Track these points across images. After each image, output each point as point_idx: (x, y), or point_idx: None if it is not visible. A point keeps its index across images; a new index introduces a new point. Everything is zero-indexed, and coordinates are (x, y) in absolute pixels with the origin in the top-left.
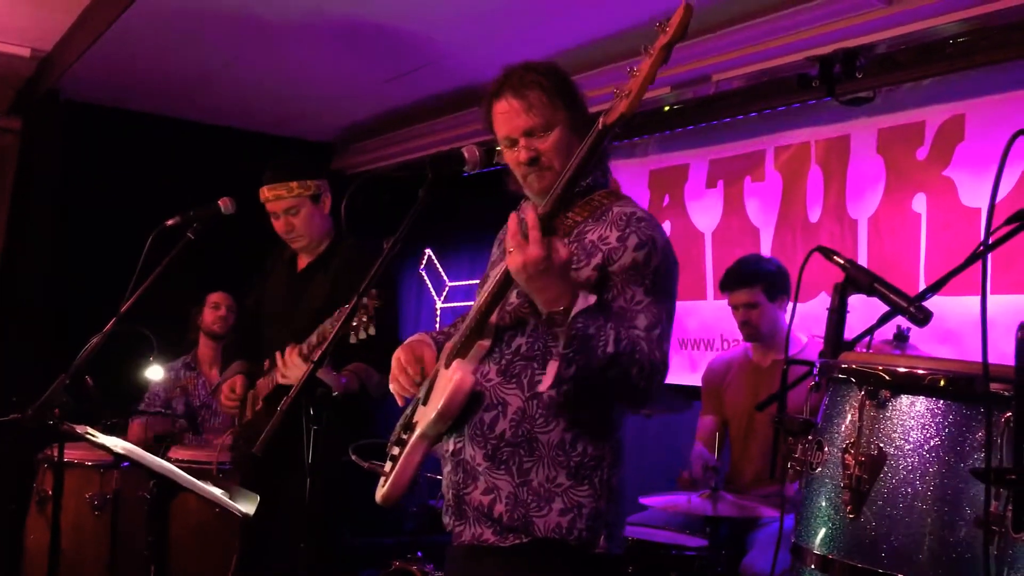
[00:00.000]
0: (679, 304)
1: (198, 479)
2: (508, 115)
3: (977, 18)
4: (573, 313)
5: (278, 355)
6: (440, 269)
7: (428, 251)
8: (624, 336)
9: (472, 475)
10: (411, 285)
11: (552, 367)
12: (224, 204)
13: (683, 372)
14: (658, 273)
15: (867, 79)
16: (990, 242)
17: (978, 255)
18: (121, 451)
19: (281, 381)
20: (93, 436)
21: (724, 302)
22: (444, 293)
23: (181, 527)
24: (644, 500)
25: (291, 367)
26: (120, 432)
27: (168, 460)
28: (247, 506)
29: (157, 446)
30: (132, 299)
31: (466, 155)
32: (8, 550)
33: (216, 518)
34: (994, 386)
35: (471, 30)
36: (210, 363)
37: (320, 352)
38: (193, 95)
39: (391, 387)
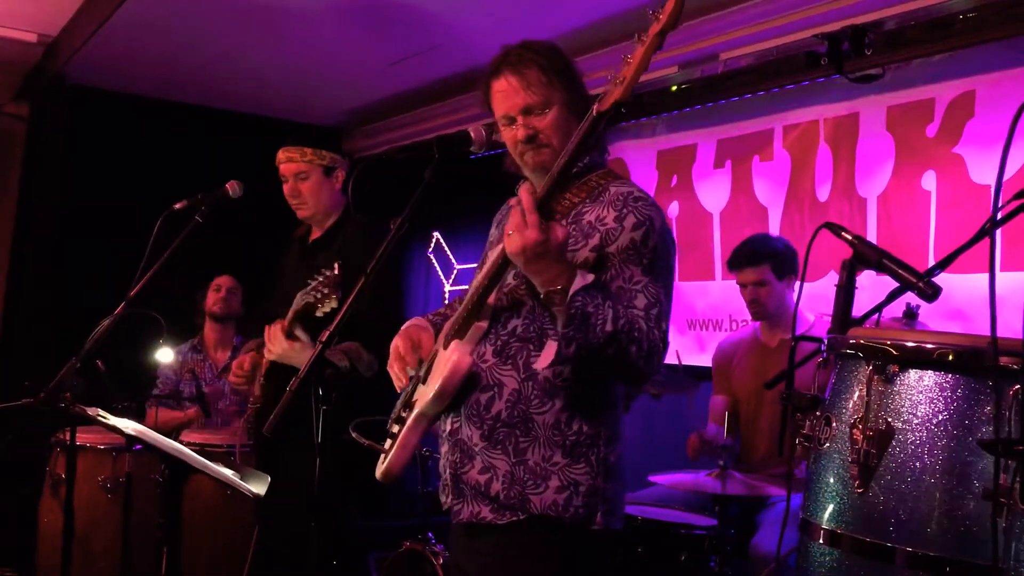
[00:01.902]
0: (688, 284)
1: (210, 461)
2: (506, 93)
3: None
4: (571, 292)
5: (266, 329)
6: (448, 252)
7: (436, 234)
8: (623, 315)
9: (469, 454)
10: (420, 268)
11: (550, 346)
12: (232, 188)
13: (692, 352)
14: (656, 252)
15: (876, 56)
16: (998, 218)
17: (986, 231)
18: (133, 433)
19: (268, 357)
20: (105, 419)
21: (732, 282)
22: (453, 276)
23: (194, 509)
24: (653, 478)
25: (272, 342)
26: (135, 416)
27: (180, 442)
28: (259, 487)
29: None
30: (141, 282)
31: (472, 135)
32: (22, 533)
33: (229, 500)
34: (1003, 359)
35: (477, 12)
36: (215, 346)
37: (328, 332)
38: (199, 80)
39: (390, 373)
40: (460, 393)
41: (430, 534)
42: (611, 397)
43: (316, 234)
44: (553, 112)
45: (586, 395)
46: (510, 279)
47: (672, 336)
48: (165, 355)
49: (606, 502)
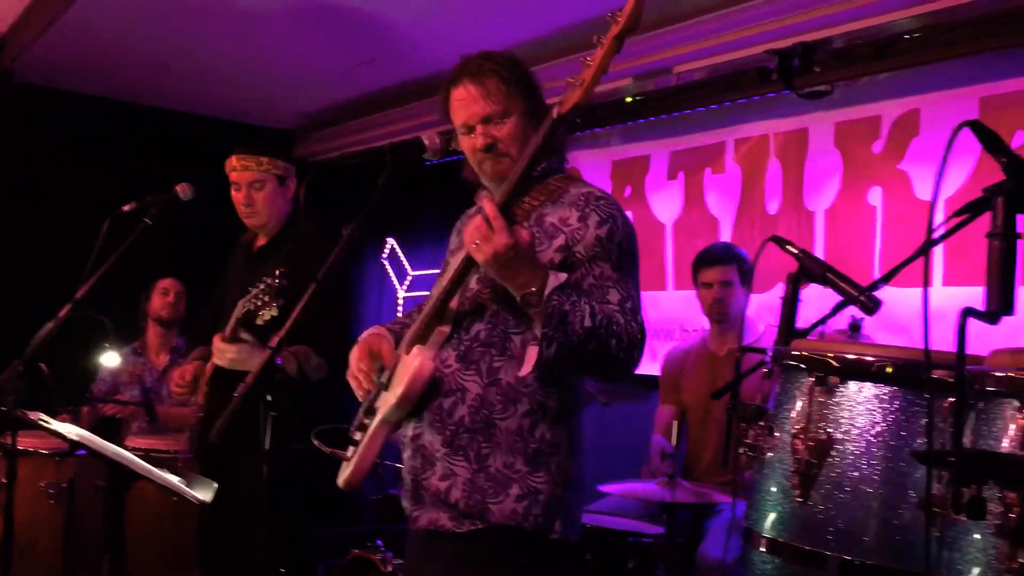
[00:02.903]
0: (640, 294)
1: (155, 467)
2: (465, 101)
3: (929, 14)
4: (546, 292)
5: (215, 338)
6: (403, 258)
7: (391, 240)
8: (599, 310)
9: (430, 460)
10: (374, 274)
11: (532, 350)
12: (182, 190)
13: (643, 361)
14: (623, 248)
15: (824, 73)
16: (938, 235)
17: (925, 248)
18: (76, 438)
19: (220, 364)
20: (47, 423)
21: (684, 293)
22: (407, 282)
23: (138, 516)
24: (602, 487)
25: (218, 353)
26: (73, 419)
27: (125, 448)
28: (204, 494)
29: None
30: (87, 285)
31: (426, 142)
32: None
33: (174, 507)
34: (938, 373)
35: (434, 19)
36: (157, 350)
37: (278, 338)
38: (152, 80)
39: (350, 382)
40: (423, 399)
41: (379, 541)
42: (573, 404)
43: (262, 241)
44: (512, 121)
45: (549, 401)
46: (473, 284)
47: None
48: (110, 358)
49: (565, 512)
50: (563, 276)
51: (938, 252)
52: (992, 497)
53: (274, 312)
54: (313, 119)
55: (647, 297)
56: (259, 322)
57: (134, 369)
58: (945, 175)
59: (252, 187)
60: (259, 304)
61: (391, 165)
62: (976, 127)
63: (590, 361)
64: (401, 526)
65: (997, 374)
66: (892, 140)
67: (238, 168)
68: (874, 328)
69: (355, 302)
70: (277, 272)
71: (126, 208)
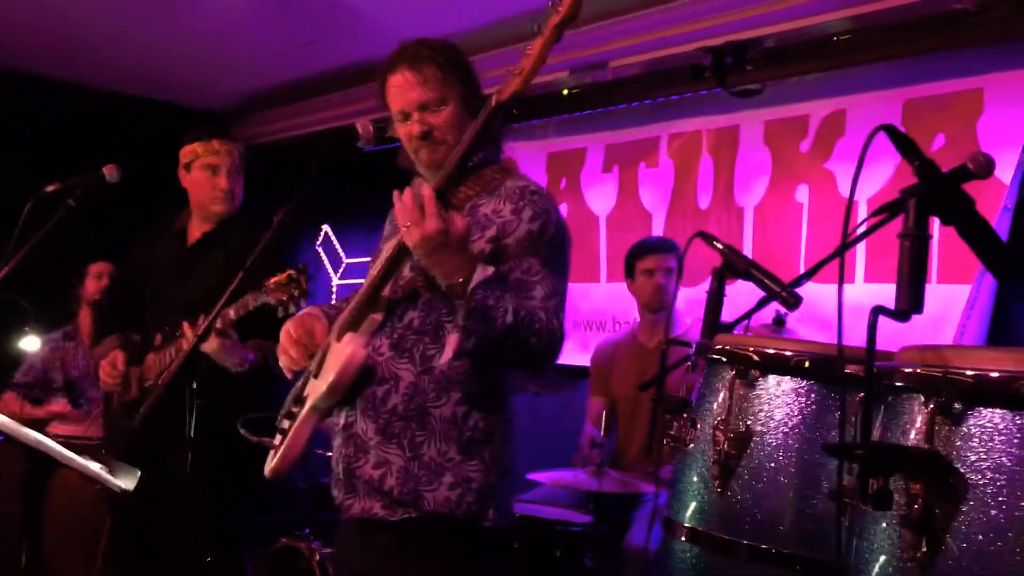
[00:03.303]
0: (573, 286)
1: (77, 454)
2: (402, 88)
3: (858, 17)
4: (472, 285)
5: (186, 326)
6: (337, 246)
7: (325, 227)
8: (522, 307)
9: (363, 449)
10: (308, 262)
11: (452, 340)
12: (108, 172)
13: (576, 352)
14: (553, 244)
15: (756, 72)
16: (859, 232)
17: (841, 249)
18: None
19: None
20: None
21: (617, 285)
22: (341, 269)
23: (59, 503)
24: (532, 476)
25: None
26: None
27: (46, 435)
28: (127, 482)
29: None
30: (7, 267)
31: (360, 130)
32: None
33: (96, 495)
34: (852, 368)
35: (375, 3)
36: (91, 334)
37: (205, 325)
38: (80, 57)
39: (280, 361)
40: (354, 387)
41: (307, 530)
42: (506, 392)
43: (206, 227)
44: (449, 109)
45: (482, 389)
46: (407, 271)
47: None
48: (31, 343)
49: (497, 499)
50: (490, 270)
51: (860, 250)
52: (898, 488)
53: (303, 306)
54: (248, 102)
55: (580, 289)
56: (281, 315)
57: (64, 354)
58: (861, 177)
59: (232, 172)
60: (284, 301)
61: (323, 153)
62: (891, 131)
63: (509, 356)
64: (331, 515)
65: (905, 370)
66: (819, 139)
67: (221, 152)
68: (799, 323)
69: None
70: (304, 266)
71: (49, 189)
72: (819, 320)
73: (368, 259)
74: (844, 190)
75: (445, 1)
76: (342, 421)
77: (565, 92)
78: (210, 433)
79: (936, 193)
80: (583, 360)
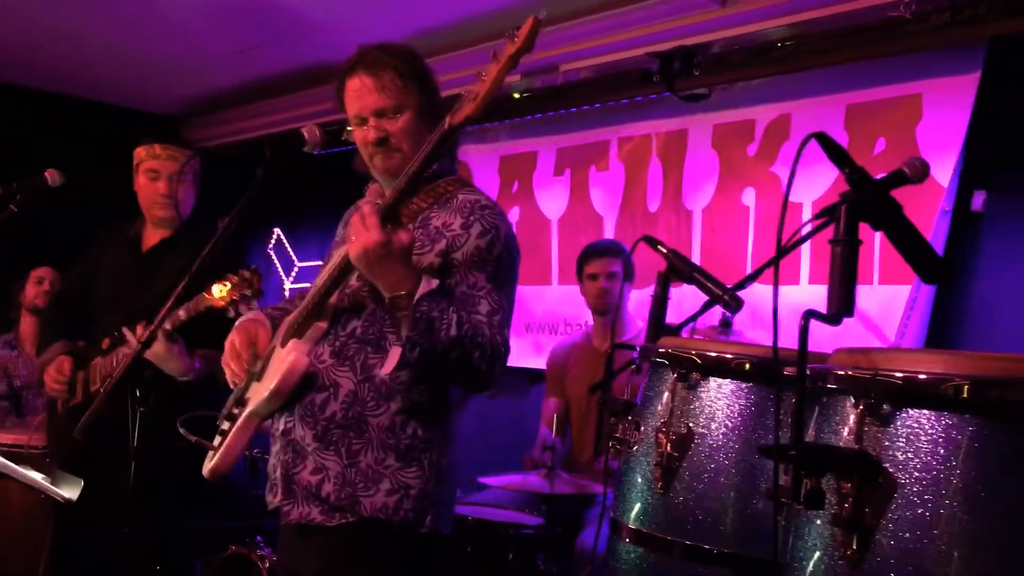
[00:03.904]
0: (525, 288)
1: (17, 464)
2: (360, 93)
3: (801, 23)
4: (416, 297)
5: (127, 331)
6: (289, 249)
7: (277, 230)
8: (466, 320)
9: (301, 455)
10: (259, 265)
11: (394, 352)
12: (51, 176)
13: (528, 355)
14: (500, 261)
15: (703, 77)
16: (799, 236)
17: (776, 258)
18: None
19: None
20: None
21: (569, 288)
22: (293, 273)
23: (2, 514)
24: (483, 479)
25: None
26: None
27: None
28: (70, 491)
29: None
30: None
31: (306, 135)
32: None
33: (40, 502)
34: (789, 370)
35: (326, 6)
36: (32, 341)
37: (148, 333)
38: (25, 58)
39: (224, 369)
40: (295, 393)
41: (259, 537)
42: (448, 401)
43: (163, 234)
44: (405, 117)
45: (422, 399)
46: (353, 281)
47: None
48: None
49: (436, 506)
50: (435, 282)
51: (804, 252)
52: (830, 488)
53: (253, 306)
54: (201, 104)
55: (532, 291)
56: (231, 315)
57: (6, 362)
58: (807, 180)
59: (174, 178)
60: (235, 301)
61: (270, 158)
62: (822, 139)
63: (452, 369)
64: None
65: (837, 372)
66: (765, 143)
67: (162, 157)
68: (745, 325)
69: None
70: (254, 267)
71: None
72: (766, 322)
73: (321, 263)
74: (791, 193)
75: (396, 6)
76: (281, 427)
77: (517, 96)
78: (154, 441)
79: (865, 200)
80: (535, 363)
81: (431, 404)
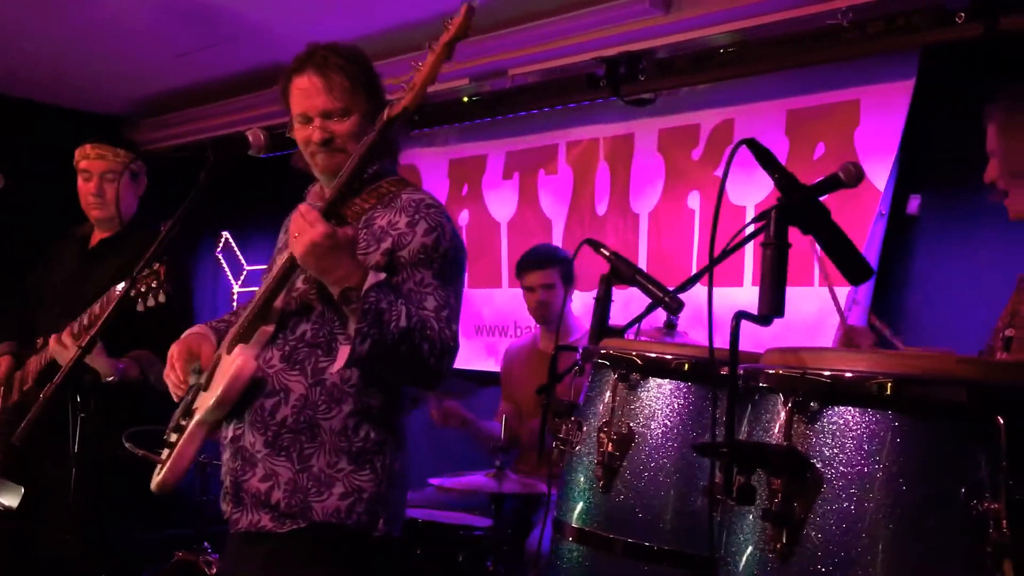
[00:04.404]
0: (476, 292)
1: None
2: (307, 92)
3: (743, 31)
4: (365, 288)
5: (54, 336)
6: (238, 252)
7: (225, 234)
8: (415, 313)
9: (251, 462)
10: (207, 269)
11: (344, 349)
12: None
13: (479, 358)
14: (446, 257)
15: (648, 82)
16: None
17: (709, 267)
18: None
19: (55, 357)
20: None
21: (518, 290)
22: (242, 277)
23: None
24: (433, 481)
25: (63, 349)
26: None
27: None
28: (10, 499)
29: None
30: None
31: (250, 139)
32: None
33: None
34: (726, 370)
35: (274, 8)
36: None
37: (89, 336)
38: None
39: (166, 381)
40: (243, 399)
41: (206, 544)
42: (399, 403)
43: (102, 235)
44: (352, 120)
45: (374, 401)
46: (299, 283)
47: (460, 341)
48: None
49: (388, 509)
50: (383, 275)
51: (748, 254)
52: (761, 484)
53: (162, 299)
54: (147, 105)
55: (482, 294)
56: (140, 308)
57: None
58: (748, 183)
59: (104, 177)
60: (143, 292)
61: (213, 161)
62: (752, 146)
63: (402, 363)
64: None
65: (768, 371)
66: (709, 147)
67: (91, 156)
68: (691, 326)
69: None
70: (165, 259)
71: None
72: (715, 323)
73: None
74: (734, 197)
75: (339, 10)
76: (230, 434)
77: (465, 99)
78: (95, 447)
79: (795, 204)
80: (485, 365)
81: (383, 406)
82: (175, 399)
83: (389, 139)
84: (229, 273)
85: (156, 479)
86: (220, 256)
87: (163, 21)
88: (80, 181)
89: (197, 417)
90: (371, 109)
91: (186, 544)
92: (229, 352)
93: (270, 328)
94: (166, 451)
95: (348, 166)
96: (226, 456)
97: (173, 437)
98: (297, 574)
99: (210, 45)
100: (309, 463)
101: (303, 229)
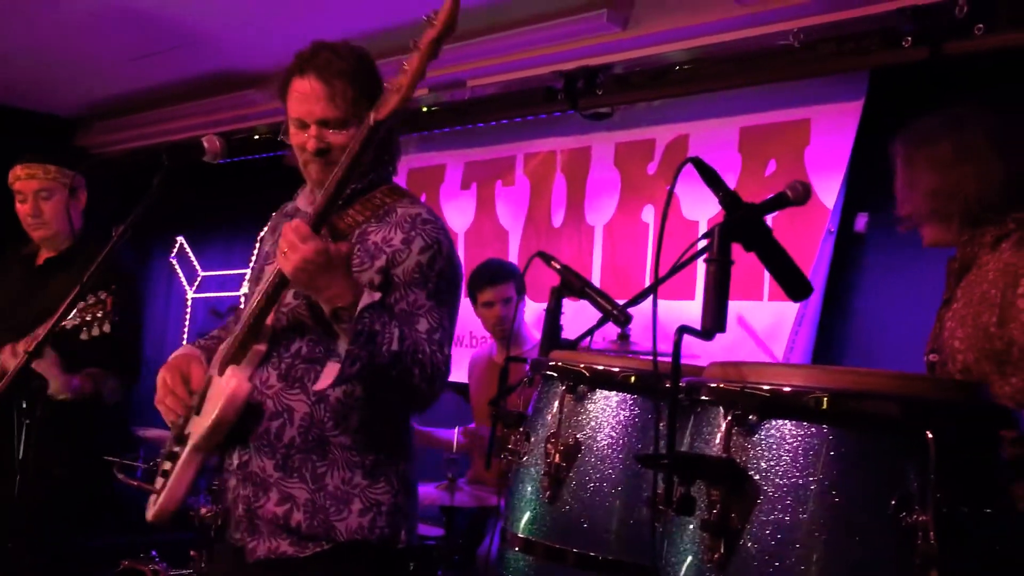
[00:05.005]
0: None
1: None
2: (307, 97)
3: (699, 48)
4: (359, 308)
5: (8, 346)
6: (193, 258)
7: (180, 239)
8: (408, 336)
9: (263, 487)
10: (161, 274)
11: (331, 366)
12: None
13: None
14: (442, 277)
15: (606, 96)
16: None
17: (653, 287)
18: None
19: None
20: None
21: None
22: (197, 283)
23: None
24: None
25: (13, 359)
26: None
27: None
28: None
29: None
30: None
31: (206, 145)
32: None
33: None
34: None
35: (230, 15)
36: None
37: (36, 343)
38: None
39: (159, 408)
40: (240, 423)
41: (154, 552)
42: (405, 412)
43: (49, 254)
44: (350, 132)
45: (381, 411)
46: (289, 298)
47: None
48: None
49: (407, 518)
50: (378, 295)
51: (699, 269)
52: (700, 494)
53: (106, 329)
54: (97, 109)
55: None
56: (84, 337)
57: None
58: (701, 199)
59: (39, 196)
60: (88, 321)
61: (167, 167)
62: (698, 164)
63: (391, 387)
64: (182, 535)
65: (709, 384)
66: (664, 162)
67: (23, 177)
68: (645, 337)
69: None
70: (113, 287)
71: None
72: (665, 335)
73: (226, 272)
74: (687, 212)
75: (294, 19)
76: (236, 461)
77: (424, 109)
78: (41, 455)
79: (737, 222)
80: None
81: (389, 416)
82: (169, 426)
83: (379, 143)
84: (183, 279)
85: (152, 509)
86: (174, 261)
87: (117, 25)
88: (17, 203)
89: (191, 443)
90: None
91: (133, 552)
92: (221, 374)
93: (262, 347)
94: (160, 480)
95: (334, 175)
96: (233, 483)
97: (167, 465)
98: None
99: (164, 50)
100: (323, 482)
101: (294, 246)
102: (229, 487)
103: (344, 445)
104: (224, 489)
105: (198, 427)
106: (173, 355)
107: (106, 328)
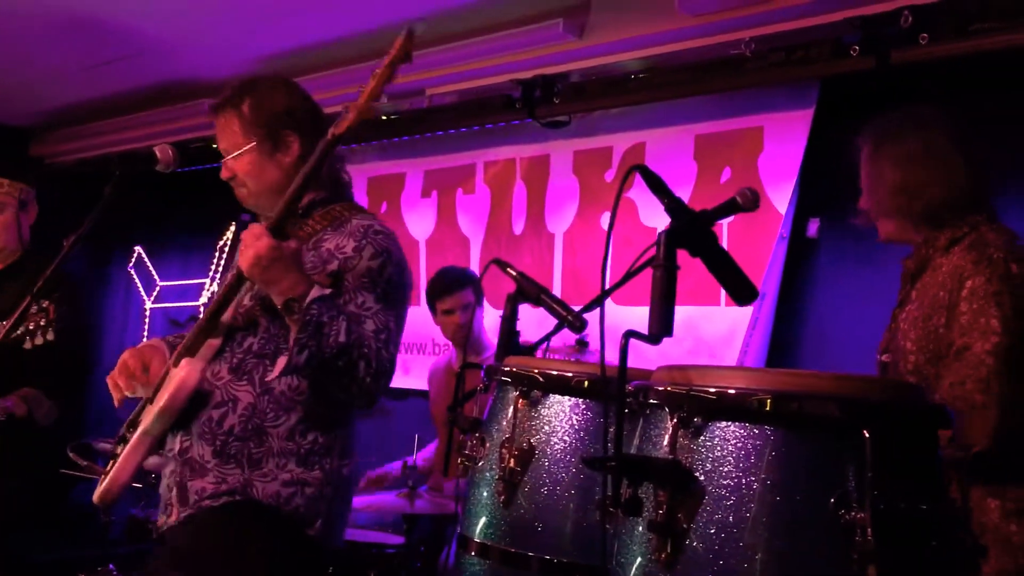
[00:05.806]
0: None
1: None
2: (216, 130)
3: (654, 57)
4: (308, 299)
5: None
6: (151, 268)
7: (138, 248)
8: (355, 331)
9: (200, 472)
10: (119, 284)
11: (283, 359)
12: None
13: (396, 375)
14: (390, 283)
15: (563, 104)
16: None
17: (630, 274)
18: None
19: None
20: None
21: None
22: (155, 293)
23: None
24: None
25: None
26: None
27: None
28: None
29: None
30: None
31: (158, 155)
32: None
33: None
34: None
35: (185, 24)
36: None
37: None
38: None
39: (108, 384)
40: (188, 410)
41: (111, 565)
42: (347, 412)
43: (2, 265)
44: (245, 158)
45: (322, 408)
46: (247, 300)
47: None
48: None
49: (329, 513)
50: (328, 290)
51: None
52: (647, 496)
53: (49, 337)
54: (53, 117)
55: None
56: (27, 346)
57: None
58: (659, 206)
59: None
60: (31, 331)
61: (119, 176)
62: (643, 171)
63: (337, 378)
64: (143, 546)
65: (657, 388)
66: (622, 170)
67: None
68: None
69: (97, 316)
70: (56, 296)
71: None
72: (618, 340)
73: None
74: (645, 219)
75: (247, 28)
76: (177, 447)
77: (384, 117)
78: None
79: (682, 229)
80: (402, 383)
81: (331, 414)
82: (116, 404)
83: (333, 158)
84: (141, 288)
85: (98, 491)
86: (132, 271)
87: (70, 34)
88: None
89: (141, 428)
90: (271, 143)
91: (90, 566)
92: (176, 365)
93: (216, 341)
94: (112, 463)
95: (293, 185)
96: (171, 468)
97: (119, 449)
98: (230, 544)
99: (118, 59)
100: (260, 466)
101: (249, 242)
102: (166, 474)
103: (281, 436)
104: (160, 478)
105: (148, 413)
106: (141, 344)
107: (50, 336)
